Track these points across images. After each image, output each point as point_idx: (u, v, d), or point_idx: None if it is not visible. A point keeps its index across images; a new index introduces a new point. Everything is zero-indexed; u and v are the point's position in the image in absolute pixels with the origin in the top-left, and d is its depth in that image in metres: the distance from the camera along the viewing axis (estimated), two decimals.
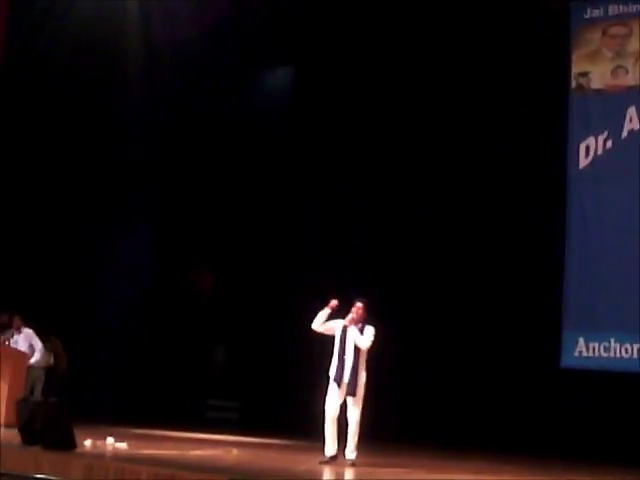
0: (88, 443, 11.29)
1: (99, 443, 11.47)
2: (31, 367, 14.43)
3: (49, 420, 10.60)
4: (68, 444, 10.40)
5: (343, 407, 10.74)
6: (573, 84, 15.68)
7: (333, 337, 10.91)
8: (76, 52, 17.14)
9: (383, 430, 15.53)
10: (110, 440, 11.75)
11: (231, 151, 19.03)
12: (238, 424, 17.16)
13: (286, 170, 18.82)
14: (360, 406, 10.70)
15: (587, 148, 15.41)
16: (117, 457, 10.66)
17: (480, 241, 16.53)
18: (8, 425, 12.86)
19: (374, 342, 10.71)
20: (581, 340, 14.98)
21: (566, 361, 15.13)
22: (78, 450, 10.55)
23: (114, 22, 17.35)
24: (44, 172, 17.64)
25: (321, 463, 10.72)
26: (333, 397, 10.74)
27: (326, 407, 10.77)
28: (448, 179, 17.04)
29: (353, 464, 10.68)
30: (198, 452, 11.85)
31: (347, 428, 10.71)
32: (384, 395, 16.83)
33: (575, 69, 15.67)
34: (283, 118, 19.16)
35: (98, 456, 10.44)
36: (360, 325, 10.77)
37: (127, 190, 18.62)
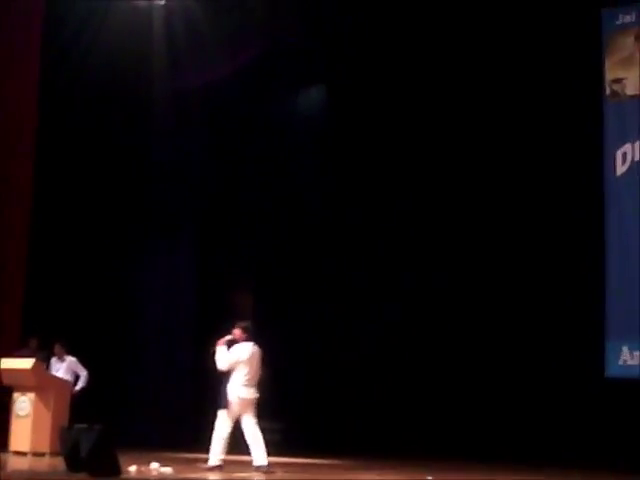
0: (133, 469, 11.29)
1: (144, 468, 11.47)
2: (75, 395, 14.45)
3: (94, 446, 10.61)
4: (113, 470, 10.40)
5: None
6: (607, 91, 15.54)
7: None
8: (109, 67, 17.24)
9: (425, 445, 15.48)
10: (155, 465, 11.75)
11: (267, 167, 19.05)
12: (282, 445, 17.09)
13: (322, 184, 18.82)
14: (252, 421, 11.66)
15: (624, 155, 15.27)
16: None
17: (521, 252, 16.45)
18: (53, 453, 12.90)
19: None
20: (625, 349, 14.82)
21: (610, 370, 14.96)
22: (123, 476, 10.56)
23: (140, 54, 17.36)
24: (83, 189, 17.70)
25: (210, 469, 11.55)
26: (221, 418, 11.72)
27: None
28: (488, 188, 16.97)
29: (265, 471, 11.48)
30: (243, 475, 11.82)
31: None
32: (426, 408, 16.82)
33: (609, 76, 15.54)
34: (318, 135, 19.17)
35: None
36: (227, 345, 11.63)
37: (167, 208, 18.67)
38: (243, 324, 11.91)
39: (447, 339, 17.04)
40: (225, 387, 11.68)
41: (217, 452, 11.75)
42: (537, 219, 16.32)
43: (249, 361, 11.70)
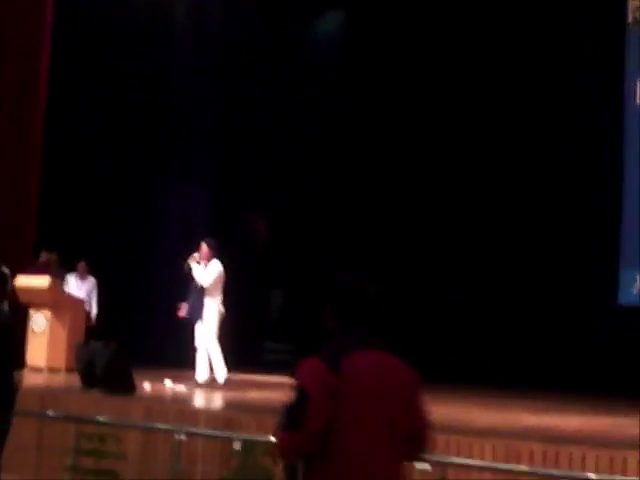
0: (147, 386, 11.43)
1: (158, 385, 11.61)
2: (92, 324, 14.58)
3: (109, 364, 10.74)
4: (128, 387, 10.54)
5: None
6: (630, 18, 15.31)
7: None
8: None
9: (436, 371, 15.58)
10: (168, 382, 11.89)
11: (282, 98, 18.92)
12: (290, 366, 17.26)
13: (338, 117, 18.69)
14: (211, 335, 11.96)
15: None
16: (176, 400, 10.79)
17: (537, 179, 16.36)
18: (68, 369, 13.06)
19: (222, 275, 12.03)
20: (639, 277, 14.82)
21: (624, 298, 14.98)
22: (138, 393, 10.69)
23: None
24: (97, 124, 17.68)
25: (196, 386, 11.82)
26: (197, 331, 12.06)
27: (195, 341, 12.09)
28: (509, 118, 16.82)
29: (222, 385, 11.88)
30: (256, 394, 11.95)
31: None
32: (439, 335, 16.90)
33: (632, 2, 15.30)
34: (334, 64, 18.97)
35: (157, 399, 10.57)
36: (206, 262, 12.01)
37: (180, 137, 18.63)
38: (210, 241, 12.22)
39: (459, 264, 17.03)
40: (201, 301, 11.96)
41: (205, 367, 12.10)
42: (555, 146, 16.20)
43: (223, 278, 11.99)
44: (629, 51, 15.27)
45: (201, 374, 12.12)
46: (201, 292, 11.99)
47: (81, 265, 14.74)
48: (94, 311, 14.70)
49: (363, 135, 18.22)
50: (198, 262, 12.04)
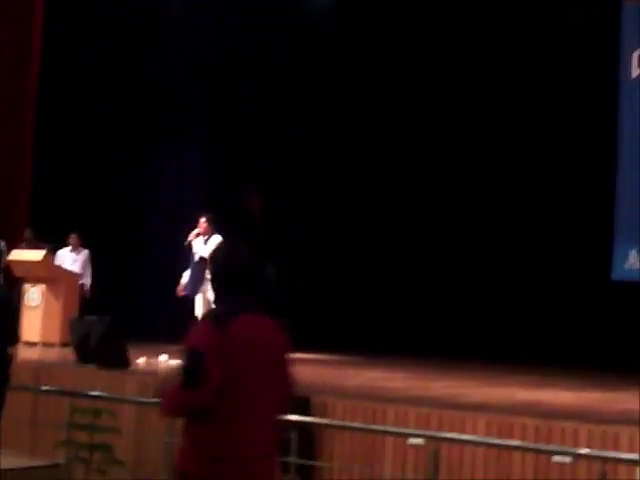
0: (142, 361, 11.45)
1: (153, 361, 11.63)
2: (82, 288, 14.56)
3: (103, 338, 10.76)
4: (122, 362, 10.56)
5: None
6: None
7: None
8: None
9: (430, 346, 15.63)
10: (164, 357, 11.91)
11: (278, 70, 18.85)
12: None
13: (333, 90, 18.62)
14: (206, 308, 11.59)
15: None
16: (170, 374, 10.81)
17: (531, 154, 16.35)
18: (63, 343, 13.08)
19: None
20: (632, 253, 14.84)
21: (617, 274, 15.01)
22: (132, 368, 10.71)
23: None
24: (94, 80, 17.60)
25: None
26: (197, 307, 11.91)
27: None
28: (503, 96, 16.79)
29: None
30: None
31: None
32: (430, 306, 16.94)
33: None
34: (329, 38, 18.91)
35: (152, 373, 10.59)
36: (207, 237, 11.97)
37: (176, 107, 18.57)
38: (209, 216, 12.20)
39: (454, 237, 17.05)
40: (201, 275, 11.85)
41: None
42: (550, 122, 16.18)
43: None
44: (624, 24, 15.23)
45: None
46: (201, 266, 11.94)
47: (73, 237, 14.60)
48: (88, 283, 14.66)
49: (361, 110, 18.17)
50: (198, 235, 12.04)
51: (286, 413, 4.69)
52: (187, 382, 4.17)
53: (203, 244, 11.98)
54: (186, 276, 12.19)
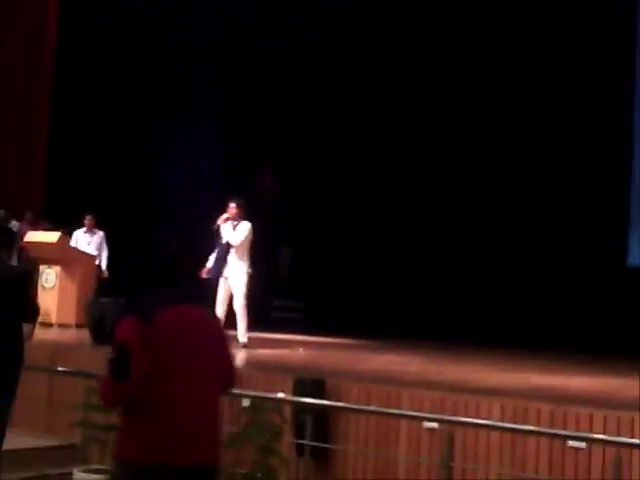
0: None
1: None
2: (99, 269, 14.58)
3: (118, 320, 10.77)
4: None
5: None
6: None
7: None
8: None
9: (446, 330, 15.63)
10: None
11: (293, 48, 18.80)
12: (303, 324, 17.32)
13: (349, 71, 18.60)
14: (240, 294, 11.73)
15: None
16: None
17: (547, 141, 16.31)
18: (78, 325, 13.11)
19: (252, 235, 11.86)
20: None
21: (632, 260, 14.98)
22: None
23: None
24: (109, 59, 17.59)
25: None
26: (219, 288, 11.77)
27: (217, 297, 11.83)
28: (517, 72, 16.75)
29: (245, 346, 11.68)
30: (265, 351, 12.00)
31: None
32: (449, 295, 16.94)
33: None
34: (344, 17, 18.87)
35: None
36: (235, 222, 11.82)
37: (191, 89, 18.55)
38: (239, 201, 12.02)
39: (471, 223, 17.03)
40: (225, 259, 11.81)
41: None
42: (564, 109, 16.12)
43: (251, 238, 11.90)
44: None
45: None
46: (227, 250, 11.87)
47: (88, 219, 14.59)
48: (104, 264, 14.67)
49: (376, 91, 18.15)
50: (227, 220, 11.92)
51: (229, 391, 4.92)
52: (116, 374, 4.37)
53: (232, 229, 11.84)
54: (212, 259, 12.10)
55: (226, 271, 11.81)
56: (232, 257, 11.83)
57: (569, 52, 16.04)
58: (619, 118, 15.19)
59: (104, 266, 14.65)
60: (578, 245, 15.82)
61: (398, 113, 17.94)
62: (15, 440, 7.74)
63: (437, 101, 17.46)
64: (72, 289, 13.78)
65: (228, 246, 11.83)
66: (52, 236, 13.88)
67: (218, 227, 11.88)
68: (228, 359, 4.77)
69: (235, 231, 11.83)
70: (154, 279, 4.59)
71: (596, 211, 15.60)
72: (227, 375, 4.74)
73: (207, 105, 18.70)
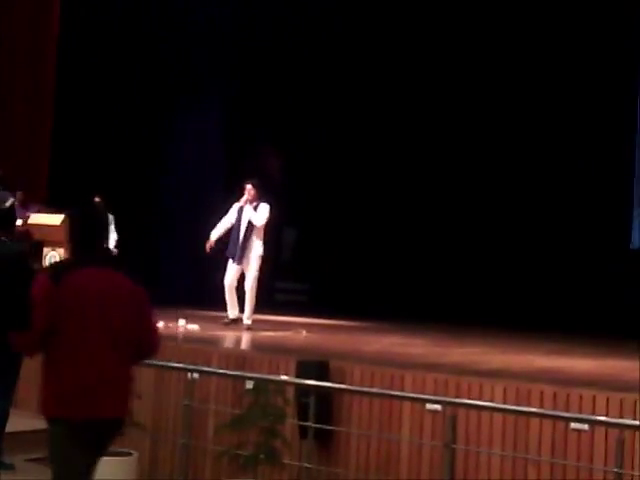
0: (160, 325, 11.46)
1: (171, 325, 11.66)
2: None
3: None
4: None
5: (241, 278, 11.95)
6: None
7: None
8: None
9: (449, 312, 15.64)
10: (182, 322, 11.94)
11: (297, 31, 18.76)
12: (306, 306, 17.33)
13: (347, 59, 18.57)
14: (253, 275, 11.85)
15: None
16: (189, 339, 10.85)
17: (553, 124, 16.30)
18: None
19: (270, 217, 11.94)
20: None
21: (636, 242, 14.96)
22: None
23: None
24: (113, 50, 17.54)
25: (224, 324, 11.92)
26: (231, 269, 11.94)
27: (225, 278, 11.93)
28: (520, 59, 16.72)
29: (249, 328, 11.76)
30: (269, 333, 12.01)
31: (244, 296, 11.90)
32: (453, 277, 16.95)
33: None
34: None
35: (170, 338, 10.62)
36: (255, 204, 11.90)
37: (195, 72, 18.51)
38: (255, 181, 12.07)
39: (475, 207, 17.03)
40: (247, 242, 11.86)
41: (235, 305, 12.08)
42: (570, 93, 16.11)
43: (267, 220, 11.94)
44: None
45: (230, 311, 12.11)
46: (249, 233, 11.90)
47: (96, 202, 14.55)
48: (112, 245, 14.57)
49: (380, 72, 18.12)
50: (247, 202, 11.92)
51: (149, 357, 5.34)
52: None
53: (253, 210, 11.89)
54: (219, 230, 12.09)
55: (248, 254, 11.88)
56: (251, 238, 11.89)
57: (571, 42, 16.02)
58: (622, 104, 15.17)
59: (112, 246, 14.55)
60: (582, 228, 15.82)
61: (400, 97, 17.94)
62: (18, 422, 7.76)
63: (440, 85, 17.43)
64: None
65: (252, 227, 11.85)
66: (56, 219, 13.85)
67: (241, 208, 11.92)
68: (147, 325, 5.11)
69: (257, 212, 11.89)
70: (74, 243, 5.12)
71: (600, 195, 15.59)
72: (144, 341, 5.09)
73: (210, 88, 18.65)
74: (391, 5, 17.92)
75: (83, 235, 5.10)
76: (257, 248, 11.94)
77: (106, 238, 5.33)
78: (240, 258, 11.90)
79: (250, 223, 11.86)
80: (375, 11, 18.20)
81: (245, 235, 11.89)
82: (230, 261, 12.02)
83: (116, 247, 14.56)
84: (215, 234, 12.11)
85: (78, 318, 4.84)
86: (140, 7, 17.85)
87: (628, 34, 15.37)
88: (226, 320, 12.08)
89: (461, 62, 17.25)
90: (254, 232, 11.89)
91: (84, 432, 4.84)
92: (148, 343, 5.15)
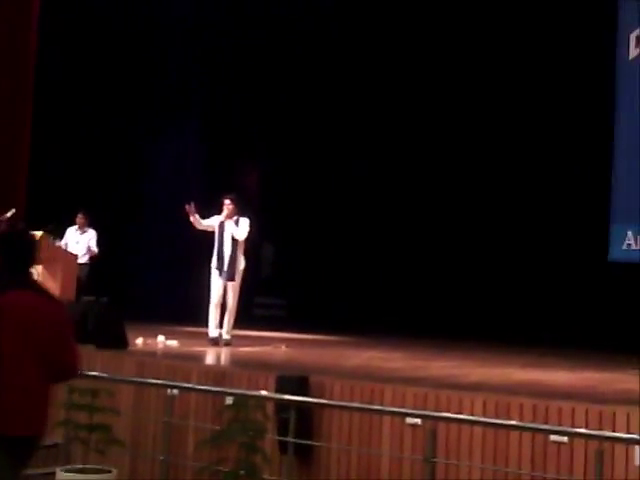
0: (140, 341, 11.46)
1: (150, 341, 11.64)
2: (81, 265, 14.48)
3: (101, 319, 10.76)
4: (120, 342, 10.56)
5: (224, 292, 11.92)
6: None
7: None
8: None
9: (428, 326, 15.67)
10: (161, 338, 11.92)
11: (275, 46, 18.77)
12: (285, 321, 17.33)
13: (337, 62, 18.57)
14: (237, 290, 11.92)
15: (638, 38, 15.03)
16: (168, 355, 10.83)
17: (528, 136, 16.36)
18: None
19: (250, 231, 11.94)
20: (629, 233, 14.83)
21: (614, 254, 15.01)
22: (130, 348, 10.72)
23: None
24: (95, 59, 17.51)
25: (211, 342, 11.87)
26: (216, 284, 11.93)
27: (212, 295, 11.89)
28: (498, 74, 16.79)
29: (228, 344, 11.80)
30: (247, 349, 12.00)
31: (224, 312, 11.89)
32: (429, 288, 16.97)
33: None
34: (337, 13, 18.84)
35: (150, 354, 10.60)
36: (235, 218, 11.91)
37: (173, 86, 18.52)
38: (233, 196, 12.06)
39: (454, 221, 17.07)
40: (236, 258, 11.88)
41: (217, 323, 12.04)
42: (546, 103, 16.19)
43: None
44: (622, 5, 15.17)
45: (213, 329, 12.07)
46: (235, 247, 11.91)
47: (79, 217, 14.51)
48: (94, 250, 14.51)
49: (364, 89, 18.14)
50: (228, 217, 11.92)
51: (70, 378, 5.51)
52: None
53: (235, 225, 11.91)
54: (203, 222, 12.06)
55: (232, 269, 11.87)
56: (237, 253, 11.93)
57: (556, 51, 16.11)
58: (602, 116, 15.23)
59: (94, 251, 14.48)
60: (560, 241, 15.88)
61: (384, 107, 17.97)
62: None
63: (431, 94, 17.47)
64: (54, 288, 13.66)
65: (236, 243, 11.87)
66: (34, 235, 13.79)
67: (222, 224, 11.92)
68: (69, 347, 5.19)
69: (238, 226, 11.91)
70: (5, 266, 5.14)
71: (578, 207, 15.66)
72: (66, 363, 5.18)
73: (189, 103, 18.67)
74: (391, 6, 17.89)
75: (10, 260, 5.17)
76: (241, 262, 11.96)
77: (32, 263, 5.27)
78: (232, 274, 11.89)
79: (234, 238, 11.88)
80: (374, 13, 18.22)
81: (232, 250, 11.90)
82: (214, 276, 11.99)
83: (90, 261, 14.54)
84: (200, 221, 12.03)
85: (6, 340, 4.92)
86: (119, 22, 17.86)
87: (607, 48, 15.46)
88: (211, 338, 12.03)
89: (456, 67, 17.29)
90: (238, 246, 11.92)
91: (15, 447, 4.96)
92: (68, 364, 5.25)
